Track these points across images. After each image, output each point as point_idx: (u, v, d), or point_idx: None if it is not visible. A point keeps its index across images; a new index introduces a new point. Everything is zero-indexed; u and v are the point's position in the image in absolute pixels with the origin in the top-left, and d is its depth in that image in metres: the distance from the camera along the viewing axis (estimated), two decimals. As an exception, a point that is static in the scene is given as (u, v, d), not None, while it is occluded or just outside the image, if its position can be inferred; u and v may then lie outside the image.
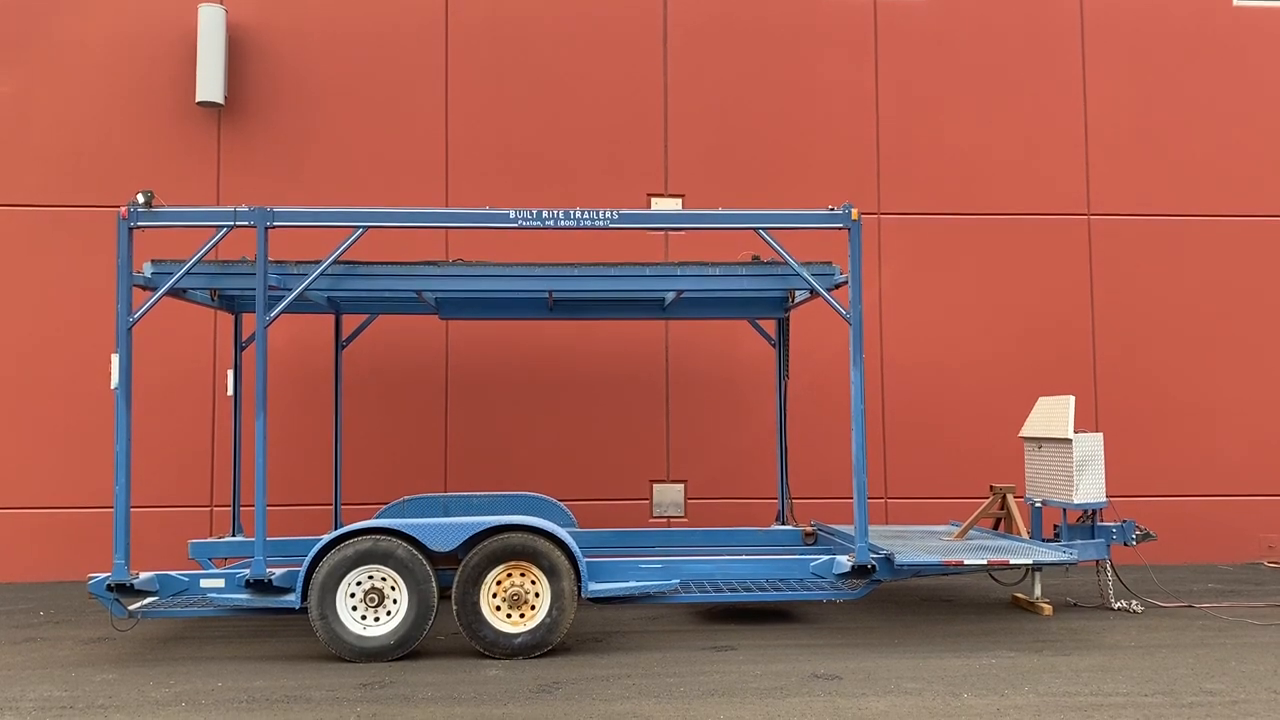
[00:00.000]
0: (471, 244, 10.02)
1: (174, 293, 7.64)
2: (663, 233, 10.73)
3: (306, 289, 7.41)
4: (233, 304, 8.92)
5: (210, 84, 10.44)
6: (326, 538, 6.93)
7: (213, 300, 8.55)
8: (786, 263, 7.57)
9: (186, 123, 10.66)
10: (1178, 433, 11.13)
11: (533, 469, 10.62)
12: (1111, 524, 8.47)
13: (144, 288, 7.52)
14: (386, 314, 9.57)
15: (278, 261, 7.61)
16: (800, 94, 11.20)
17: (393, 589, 6.91)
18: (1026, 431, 9.03)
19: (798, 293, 8.81)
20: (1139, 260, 11.27)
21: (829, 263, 7.95)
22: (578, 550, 7.01)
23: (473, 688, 6.24)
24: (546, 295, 8.59)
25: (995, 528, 9.06)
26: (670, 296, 8.77)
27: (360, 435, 10.41)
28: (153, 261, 7.56)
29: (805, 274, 7.63)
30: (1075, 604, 8.69)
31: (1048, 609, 8.24)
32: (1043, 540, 8.51)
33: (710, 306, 9.29)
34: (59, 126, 10.57)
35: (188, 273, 7.35)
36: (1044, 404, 8.92)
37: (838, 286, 7.93)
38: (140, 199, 7.17)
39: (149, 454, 9.79)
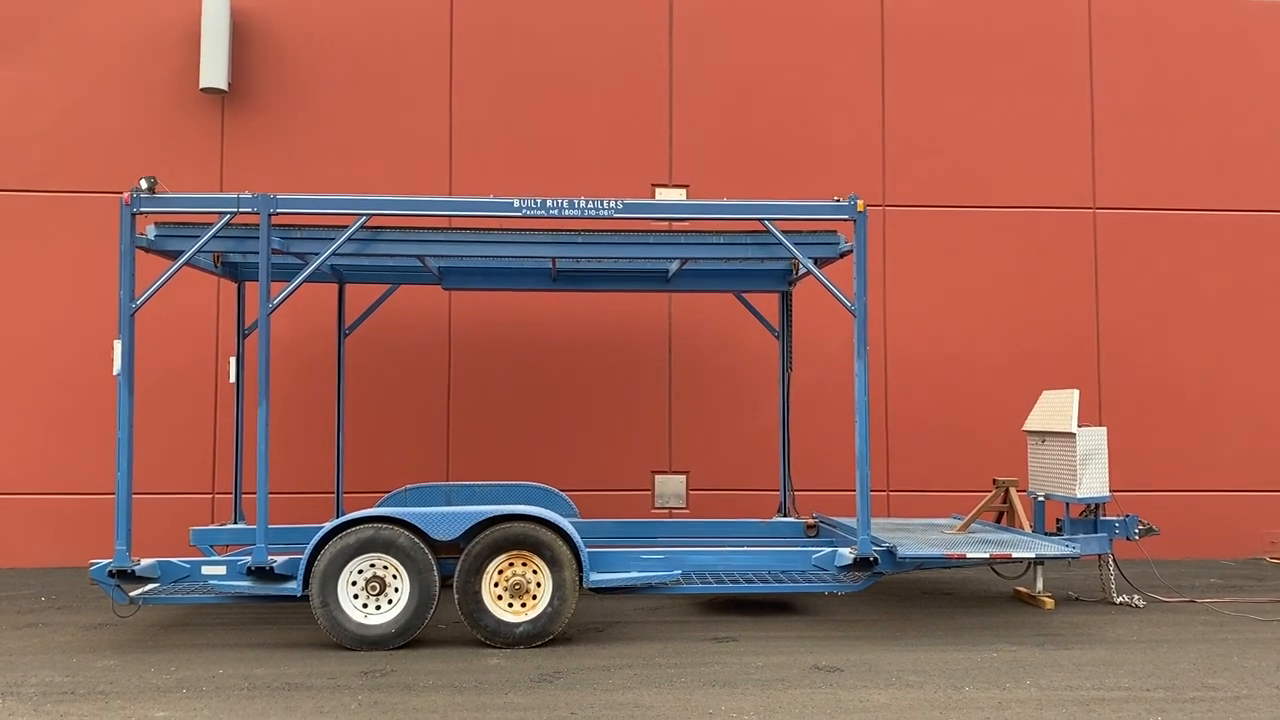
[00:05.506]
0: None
1: (175, 256, 7.51)
2: (666, 223, 10.67)
3: (309, 276, 7.41)
4: (235, 271, 8.89)
5: (214, 70, 10.39)
6: (328, 525, 6.93)
7: (216, 266, 8.53)
8: (786, 246, 7.56)
9: (190, 109, 10.62)
10: (1181, 427, 11.10)
11: (535, 459, 10.61)
12: (1114, 518, 8.45)
13: (146, 250, 7.51)
14: (390, 283, 9.51)
15: (281, 226, 7.64)
16: (806, 85, 11.14)
17: (394, 577, 6.91)
18: (1030, 425, 9.01)
19: (801, 265, 8.78)
20: (1144, 254, 11.22)
21: (833, 231, 7.89)
22: (580, 540, 7.01)
23: (474, 676, 6.24)
24: (550, 264, 8.63)
25: (998, 521, 9.05)
26: (674, 266, 8.78)
27: (363, 424, 10.40)
28: (156, 224, 7.54)
29: (802, 256, 7.63)
30: (1077, 598, 8.68)
31: (1050, 603, 8.24)
32: (1045, 534, 8.49)
33: (714, 279, 9.29)
34: (62, 112, 10.54)
35: (200, 246, 7.27)
36: (1048, 397, 8.90)
37: (843, 255, 7.89)
38: (143, 185, 7.15)
39: (151, 441, 9.78)
